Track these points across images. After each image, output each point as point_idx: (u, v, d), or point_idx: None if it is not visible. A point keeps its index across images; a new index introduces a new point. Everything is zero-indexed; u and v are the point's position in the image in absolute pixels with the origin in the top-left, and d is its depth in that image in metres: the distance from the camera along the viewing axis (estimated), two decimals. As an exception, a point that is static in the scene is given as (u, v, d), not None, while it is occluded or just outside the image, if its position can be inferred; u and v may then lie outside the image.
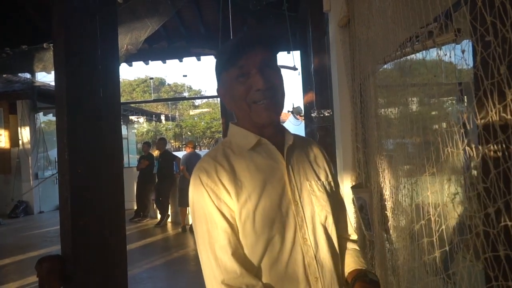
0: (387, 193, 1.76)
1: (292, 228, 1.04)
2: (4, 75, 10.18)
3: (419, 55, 1.35)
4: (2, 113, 11.16)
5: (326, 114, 5.90)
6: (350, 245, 1.24)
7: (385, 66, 1.56)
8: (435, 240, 1.17)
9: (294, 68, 6.16)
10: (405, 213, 1.53)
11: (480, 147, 0.85)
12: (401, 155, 1.54)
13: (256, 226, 1.01)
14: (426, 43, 1.26)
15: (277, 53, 1.13)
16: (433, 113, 1.36)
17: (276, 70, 1.10)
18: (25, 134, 11.19)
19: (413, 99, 1.37)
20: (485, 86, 0.80)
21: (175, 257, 6.00)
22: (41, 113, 11.66)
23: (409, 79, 1.43)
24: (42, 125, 11.74)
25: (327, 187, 1.16)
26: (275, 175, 1.08)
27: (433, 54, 1.26)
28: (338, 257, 1.13)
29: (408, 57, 1.42)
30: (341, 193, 1.26)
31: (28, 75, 10.93)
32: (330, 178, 1.20)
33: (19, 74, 10.90)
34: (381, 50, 1.63)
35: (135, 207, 9.31)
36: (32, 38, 6.59)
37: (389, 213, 1.74)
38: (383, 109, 1.77)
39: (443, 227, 1.03)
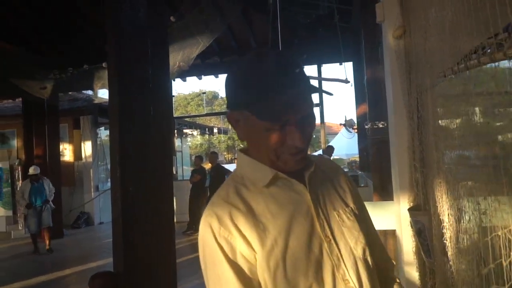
0: (446, 218, 1.60)
1: (329, 270, 0.89)
2: (69, 93, 10.79)
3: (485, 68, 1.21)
4: (67, 129, 11.82)
5: (380, 126, 5.71)
6: (392, 276, 1.10)
7: (447, 79, 1.42)
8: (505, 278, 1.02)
9: (346, 81, 5.99)
10: (471, 241, 1.38)
11: None
12: (465, 174, 1.39)
13: (288, 276, 0.85)
14: (495, 55, 1.12)
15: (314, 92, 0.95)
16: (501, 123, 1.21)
17: (313, 116, 0.93)
18: (87, 148, 11.78)
19: (479, 109, 1.23)
20: None
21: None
22: (102, 128, 12.23)
23: (474, 90, 1.29)
24: (103, 139, 12.31)
25: (357, 213, 1.01)
26: (300, 210, 0.92)
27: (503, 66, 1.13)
28: None
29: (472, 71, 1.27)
30: (368, 215, 1.09)
31: (90, 92, 11.55)
32: (357, 202, 1.05)
33: (82, 92, 11.54)
34: (441, 63, 1.50)
35: (188, 220, 9.44)
36: (92, 58, 6.94)
37: (448, 241, 1.57)
38: (442, 123, 1.63)
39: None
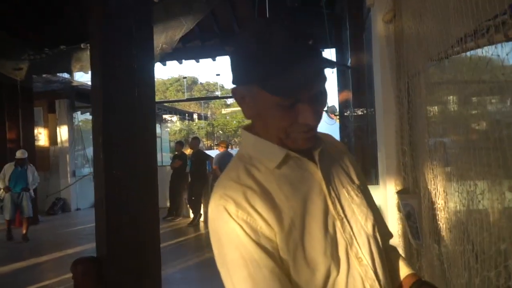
0: (439, 200, 1.62)
1: (343, 249, 0.88)
2: (44, 75, 10.50)
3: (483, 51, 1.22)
4: (41, 112, 11.53)
5: (360, 113, 5.76)
6: (392, 246, 1.12)
7: (443, 62, 1.43)
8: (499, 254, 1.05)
9: (348, 67, 5.81)
10: (461, 223, 1.41)
11: None
12: (459, 158, 1.41)
13: (308, 258, 0.83)
14: (495, 37, 1.12)
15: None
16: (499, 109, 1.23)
17: (326, 93, 0.89)
18: (63, 132, 11.53)
19: (475, 97, 1.25)
20: None
21: (208, 258, 5.98)
22: (78, 112, 11.98)
23: (470, 76, 1.30)
24: (80, 123, 12.07)
25: (362, 188, 1.00)
26: (313, 190, 0.90)
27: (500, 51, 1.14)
28: (388, 268, 1.00)
29: (470, 53, 1.28)
30: (369, 191, 1.08)
31: (66, 75, 11.27)
32: (360, 178, 1.04)
33: (58, 74, 11.24)
34: (435, 46, 1.50)
35: (168, 206, 9.39)
36: (70, 39, 6.74)
37: (441, 222, 1.61)
38: (436, 108, 1.64)
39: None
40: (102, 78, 2.82)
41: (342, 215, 0.91)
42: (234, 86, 0.91)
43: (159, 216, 3.49)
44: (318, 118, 0.88)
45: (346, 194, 0.95)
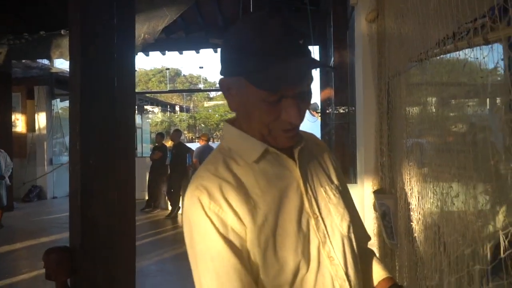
0: (414, 201, 1.63)
1: (315, 247, 0.88)
2: (23, 61, 10.24)
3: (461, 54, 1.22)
4: (19, 98, 11.27)
5: (342, 111, 5.78)
6: (369, 249, 1.13)
7: (422, 63, 1.43)
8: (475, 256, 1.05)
9: (332, 69, 5.73)
10: (434, 224, 1.41)
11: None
12: (434, 160, 1.41)
13: (279, 253, 0.84)
14: (473, 40, 1.12)
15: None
16: (473, 112, 1.23)
17: (311, 93, 0.90)
18: (41, 119, 11.29)
19: (453, 100, 1.24)
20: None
21: (185, 250, 5.94)
22: (58, 99, 11.74)
23: (449, 78, 1.30)
24: (59, 111, 11.83)
25: (340, 189, 1.01)
26: (289, 186, 0.90)
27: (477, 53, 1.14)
28: (361, 270, 1.00)
29: (449, 56, 1.28)
30: (349, 192, 1.09)
31: (46, 62, 11.00)
32: (340, 179, 1.04)
33: (38, 60, 10.97)
34: (416, 47, 1.50)
35: (146, 198, 9.30)
36: (50, 25, 6.56)
37: (415, 223, 1.61)
38: (414, 109, 1.65)
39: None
40: (80, 65, 2.74)
41: (318, 214, 0.91)
42: (221, 77, 0.92)
43: (135, 208, 3.44)
44: (302, 116, 0.88)
45: (324, 193, 0.95)
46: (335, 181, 1.01)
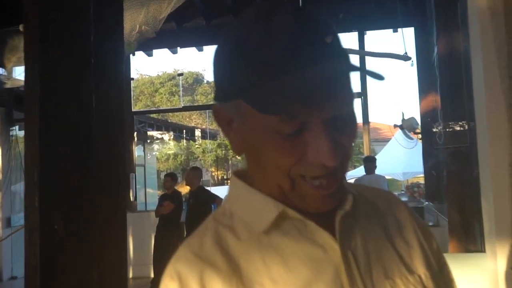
0: None
1: None
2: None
3: None
4: (-38, 128, 11.81)
5: (457, 129, 5.67)
6: None
7: None
8: None
9: (406, 57, 5.88)
10: None
11: None
12: None
13: None
14: None
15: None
16: None
17: (353, 117, 0.88)
18: (-5, 158, 11.72)
19: None
20: None
21: None
22: (17, 127, 12.17)
23: None
24: (20, 144, 12.25)
25: (431, 283, 0.96)
26: (321, 276, 0.87)
27: None
28: None
29: None
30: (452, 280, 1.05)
31: (0, 71, 11.53)
32: (432, 265, 1.00)
33: (-12, 71, 11.53)
34: None
35: (152, 275, 9.38)
36: (3, 17, 6.89)
37: None
38: None
39: None
40: (39, 76, 2.83)
41: None
42: (215, 103, 0.94)
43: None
44: (341, 156, 0.84)
45: None
46: (419, 269, 0.96)
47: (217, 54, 0.90)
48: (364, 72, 0.78)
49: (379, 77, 0.77)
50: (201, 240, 0.92)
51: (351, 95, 0.85)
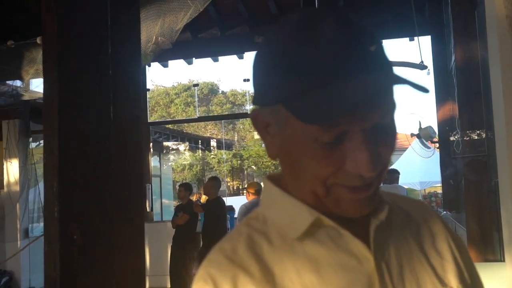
0: None
1: None
2: (-16, 84, 10.85)
3: None
4: (-20, 140, 11.87)
5: (475, 137, 5.62)
6: None
7: None
8: None
9: (422, 66, 5.88)
10: None
11: None
12: None
13: None
14: None
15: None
16: None
17: (393, 127, 0.87)
18: (11, 170, 11.76)
19: None
20: None
21: None
22: (33, 139, 12.20)
23: None
24: (36, 156, 12.29)
25: None
26: (353, 286, 0.88)
27: None
28: None
29: None
30: None
31: (18, 83, 11.60)
32: (465, 278, 0.99)
33: (6, 82, 11.59)
34: None
35: (169, 285, 9.36)
36: (22, 30, 6.95)
37: None
38: None
39: None
40: (58, 88, 2.85)
41: None
42: (254, 107, 0.94)
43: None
44: (379, 166, 0.84)
45: None
46: (452, 282, 0.95)
47: (259, 59, 0.90)
48: (409, 84, 0.77)
49: (423, 89, 0.77)
50: (234, 245, 0.92)
51: (393, 105, 0.85)
